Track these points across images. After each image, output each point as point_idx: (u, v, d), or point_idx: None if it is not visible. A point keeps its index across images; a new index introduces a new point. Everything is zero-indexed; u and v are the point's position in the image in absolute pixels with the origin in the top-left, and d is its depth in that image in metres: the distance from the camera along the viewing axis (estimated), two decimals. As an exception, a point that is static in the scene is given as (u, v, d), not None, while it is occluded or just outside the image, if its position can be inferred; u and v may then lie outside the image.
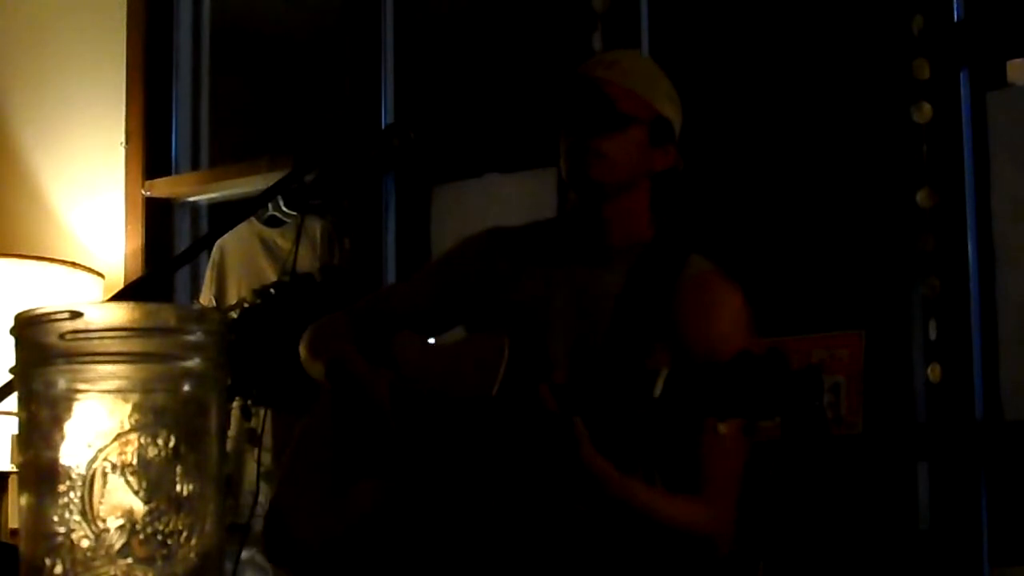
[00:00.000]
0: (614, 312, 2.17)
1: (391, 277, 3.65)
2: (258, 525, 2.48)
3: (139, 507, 0.99)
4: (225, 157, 4.10)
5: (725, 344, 2.12)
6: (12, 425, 1.07)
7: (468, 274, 2.33)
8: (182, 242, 4.06)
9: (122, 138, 4.06)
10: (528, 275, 2.27)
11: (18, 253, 3.84)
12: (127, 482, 0.99)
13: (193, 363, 1.01)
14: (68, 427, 0.99)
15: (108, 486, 0.98)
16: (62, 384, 0.99)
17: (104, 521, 0.98)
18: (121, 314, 1.00)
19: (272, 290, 3.32)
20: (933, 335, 2.88)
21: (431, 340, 2.38)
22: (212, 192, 4.06)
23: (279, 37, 4.16)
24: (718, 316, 2.17)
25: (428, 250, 3.57)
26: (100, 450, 0.99)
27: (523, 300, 2.24)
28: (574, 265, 2.25)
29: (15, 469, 3.43)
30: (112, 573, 0.98)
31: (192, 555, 1.00)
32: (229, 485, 3.30)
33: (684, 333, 2.15)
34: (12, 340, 1.04)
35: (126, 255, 3.98)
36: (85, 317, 0.99)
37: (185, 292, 3.98)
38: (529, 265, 2.28)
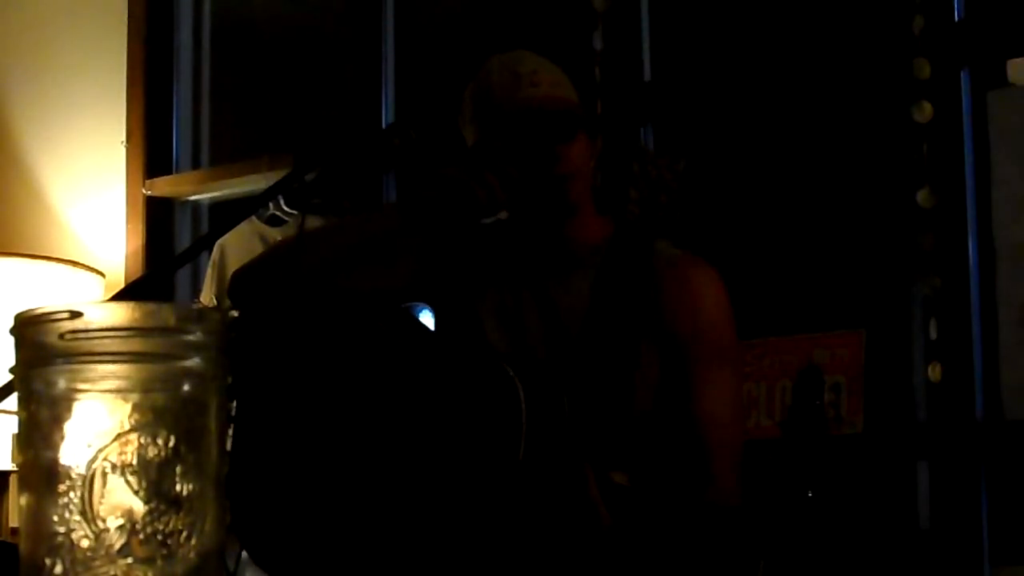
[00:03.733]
0: (589, 311, 2.15)
1: (391, 276, 3.65)
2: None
3: (139, 507, 0.99)
4: (226, 156, 4.10)
5: (716, 331, 2.15)
6: (12, 425, 1.07)
7: (429, 264, 2.25)
8: (183, 241, 4.06)
9: (123, 137, 4.06)
10: (494, 286, 2.21)
11: (18, 252, 3.84)
12: (127, 482, 0.99)
13: (193, 363, 1.01)
14: (68, 427, 0.99)
15: (108, 486, 0.98)
16: (62, 384, 0.99)
17: (104, 521, 0.98)
18: (121, 314, 1.00)
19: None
20: (933, 334, 2.88)
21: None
22: (213, 191, 4.06)
23: (280, 36, 4.16)
24: (704, 303, 2.17)
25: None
26: (100, 450, 0.99)
27: (492, 312, 2.21)
28: (539, 277, 2.21)
29: (15, 468, 3.43)
30: (112, 573, 0.98)
31: (192, 555, 1.00)
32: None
33: (671, 321, 2.14)
34: (12, 340, 1.04)
35: (127, 254, 3.98)
36: (85, 317, 0.99)
37: (186, 291, 3.98)
38: (493, 276, 2.23)
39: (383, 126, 3.78)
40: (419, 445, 1.97)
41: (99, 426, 0.99)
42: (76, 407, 1.00)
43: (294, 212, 3.67)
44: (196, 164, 4.15)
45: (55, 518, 0.99)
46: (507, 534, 1.88)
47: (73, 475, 0.99)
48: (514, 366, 1.96)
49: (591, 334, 2.13)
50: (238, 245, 3.72)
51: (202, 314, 1.04)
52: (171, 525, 0.99)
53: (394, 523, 1.96)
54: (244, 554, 2.07)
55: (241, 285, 2.24)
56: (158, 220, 4.03)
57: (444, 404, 1.97)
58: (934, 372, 2.87)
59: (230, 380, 1.06)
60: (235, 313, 2.40)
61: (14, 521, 3.54)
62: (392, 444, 1.99)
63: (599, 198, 2.23)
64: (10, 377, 1.05)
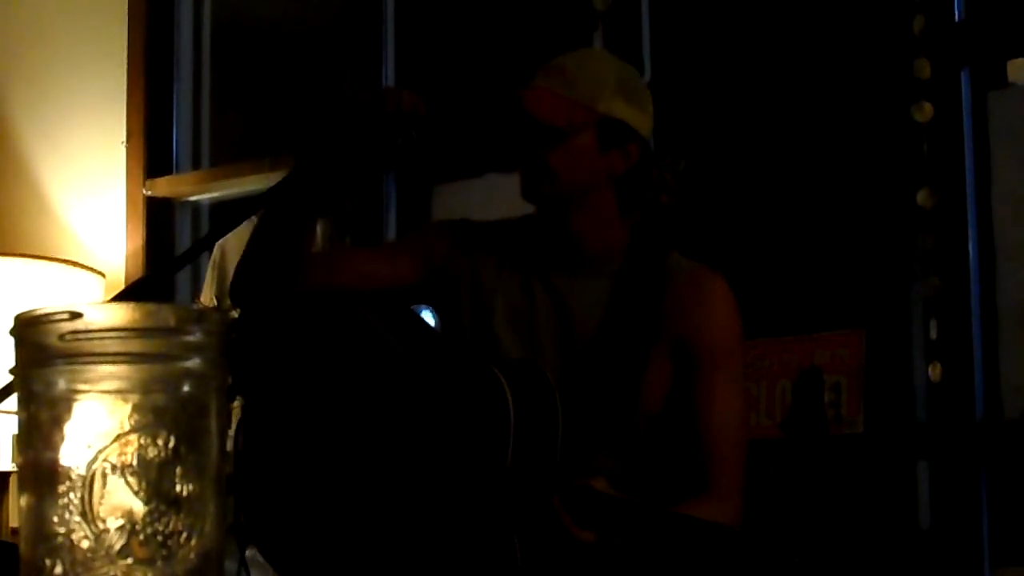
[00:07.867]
0: (606, 319, 2.16)
1: (392, 276, 3.65)
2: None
3: (139, 507, 0.99)
4: (226, 156, 4.10)
5: (728, 343, 2.18)
6: (12, 425, 1.07)
7: (443, 254, 2.27)
8: (183, 241, 4.06)
9: (123, 137, 4.06)
10: (506, 280, 2.24)
11: (19, 252, 3.84)
12: (127, 483, 0.99)
13: (193, 363, 1.01)
14: (68, 428, 0.99)
15: (108, 487, 0.98)
16: (62, 385, 1.00)
17: (104, 522, 0.98)
18: (121, 314, 1.00)
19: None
20: (934, 334, 2.88)
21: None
22: (213, 191, 4.06)
23: (280, 36, 4.16)
24: (717, 313, 2.19)
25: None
26: (100, 451, 0.99)
27: (504, 308, 2.22)
28: (552, 274, 2.22)
29: (15, 469, 3.43)
30: (112, 574, 0.98)
31: (192, 555, 1.00)
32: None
33: (684, 331, 2.16)
34: (12, 340, 1.04)
35: (127, 255, 3.98)
36: (85, 317, 0.99)
37: (186, 292, 3.98)
38: (506, 268, 2.25)
39: (383, 126, 3.77)
40: (409, 448, 1.97)
41: (99, 427, 0.99)
42: (76, 408, 1.00)
43: (294, 212, 3.66)
44: (196, 164, 4.15)
45: (55, 519, 0.99)
46: (493, 537, 1.88)
47: (73, 476, 0.99)
48: (507, 372, 1.96)
49: (606, 340, 2.14)
50: (238, 245, 3.71)
51: (202, 315, 1.04)
52: (171, 526, 0.99)
53: (385, 523, 1.97)
54: (248, 554, 2.08)
55: (244, 287, 2.25)
56: (158, 220, 4.03)
57: (433, 408, 1.97)
58: (934, 372, 2.87)
59: (230, 380, 1.06)
60: (235, 314, 2.40)
61: (14, 521, 3.54)
62: (383, 446, 2.00)
63: (622, 203, 2.24)
64: (10, 378, 1.05)
